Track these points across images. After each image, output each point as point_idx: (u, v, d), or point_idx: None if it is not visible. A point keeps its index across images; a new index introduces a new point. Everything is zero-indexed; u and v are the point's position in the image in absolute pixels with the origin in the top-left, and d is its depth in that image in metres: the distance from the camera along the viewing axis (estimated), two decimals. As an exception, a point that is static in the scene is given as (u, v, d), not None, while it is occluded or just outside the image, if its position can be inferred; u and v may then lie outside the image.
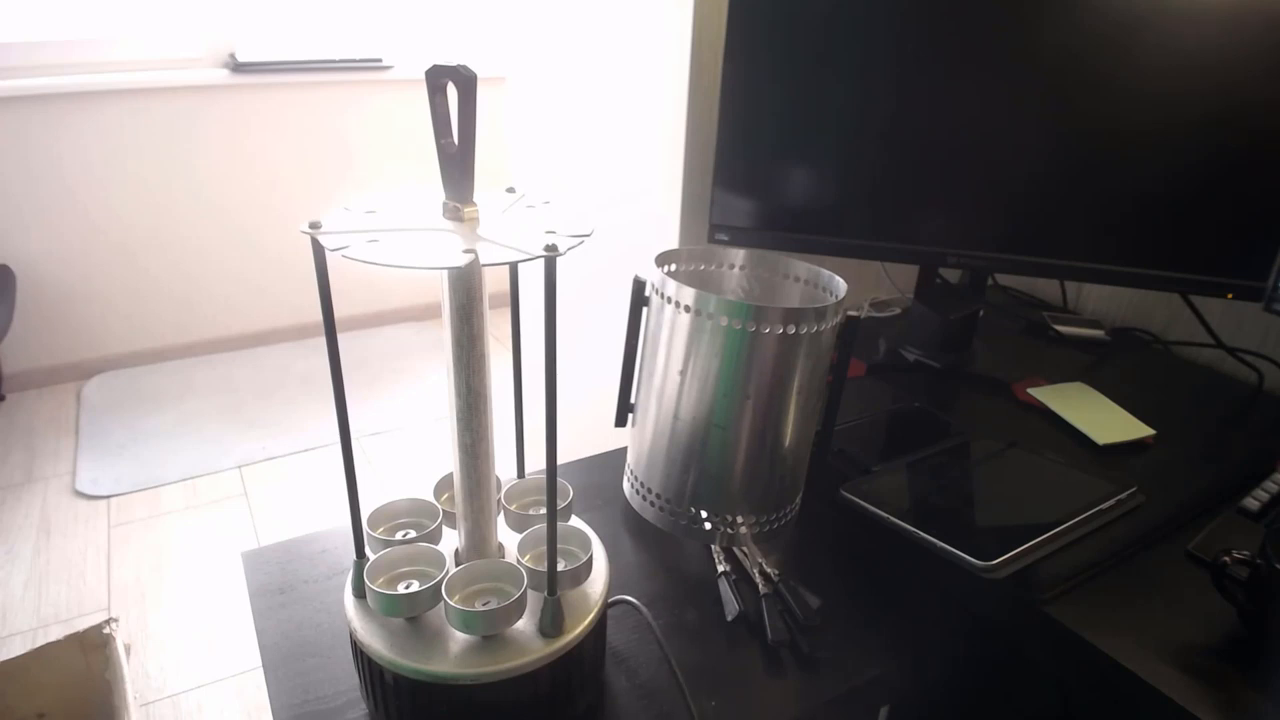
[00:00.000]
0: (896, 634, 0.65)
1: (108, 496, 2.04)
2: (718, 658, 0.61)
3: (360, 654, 0.51)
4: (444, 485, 0.60)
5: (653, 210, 1.11)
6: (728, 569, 0.68)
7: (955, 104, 0.90)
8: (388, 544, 0.54)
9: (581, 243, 0.45)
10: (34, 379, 2.56)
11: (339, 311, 0.44)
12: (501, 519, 0.58)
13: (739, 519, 0.68)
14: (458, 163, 0.45)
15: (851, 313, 0.66)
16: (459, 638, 0.50)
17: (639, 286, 0.69)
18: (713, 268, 0.75)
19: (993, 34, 0.87)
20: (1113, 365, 1.09)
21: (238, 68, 2.52)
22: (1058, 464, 0.82)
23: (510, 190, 0.53)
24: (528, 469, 0.63)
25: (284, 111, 2.66)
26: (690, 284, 0.63)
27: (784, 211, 0.98)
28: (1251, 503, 0.76)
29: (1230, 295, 0.89)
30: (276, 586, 0.66)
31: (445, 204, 0.47)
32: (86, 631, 1.25)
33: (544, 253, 0.42)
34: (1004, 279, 1.35)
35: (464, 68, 0.42)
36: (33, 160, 2.36)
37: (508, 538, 0.58)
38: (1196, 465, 0.85)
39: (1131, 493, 0.76)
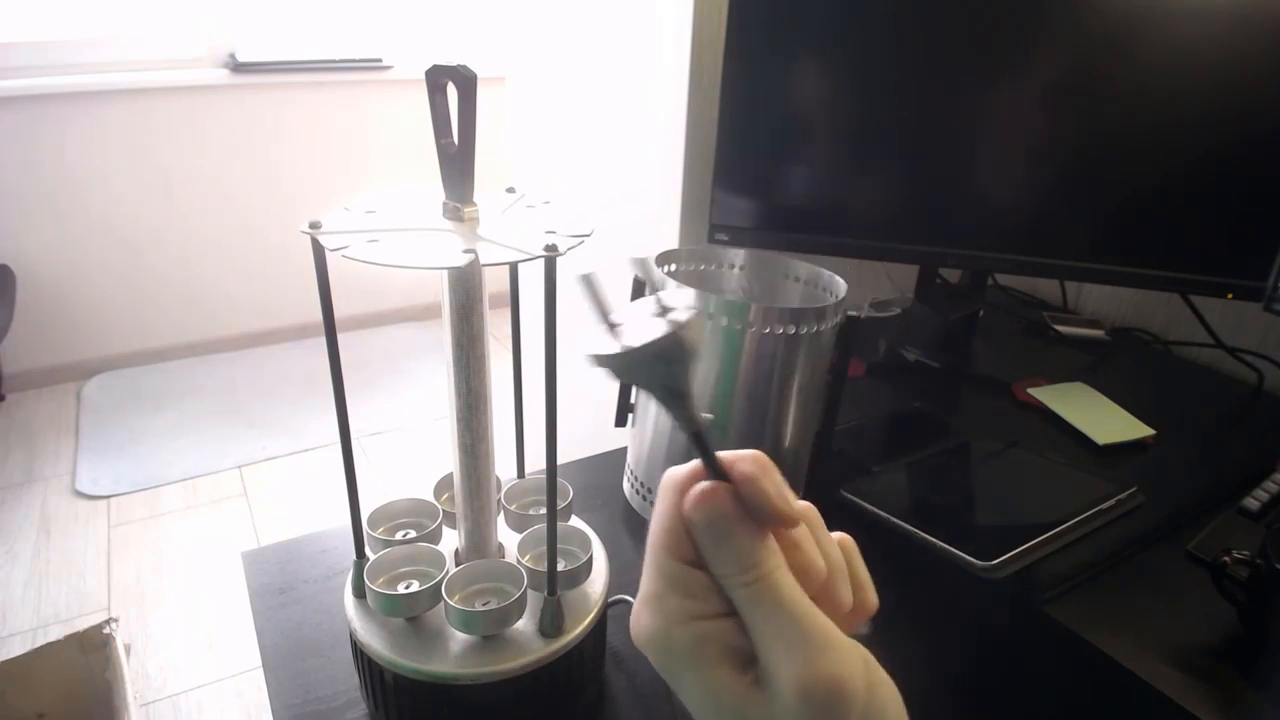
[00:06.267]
0: (896, 634, 0.65)
1: (108, 496, 2.04)
2: (718, 658, 0.61)
3: (360, 654, 0.51)
4: (444, 485, 0.60)
5: (653, 210, 1.11)
6: (728, 569, 0.68)
7: (955, 104, 0.90)
8: (388, 544, 0.54)
9: (581, 243, 0.45)
10: (34, 379, 2.56)
11: (339, 311, 0.44)
12: (501, 519, 0.58)
13: (739, 519, 0.68)
14: (458, 163, 0.45)
15: (851, 313, 0.66)
16: (459, 638, 0.50)
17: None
18: (713, 268, 0.75)
19: (993, 34, 0.87)
20: (1113, 365, 1.09)
21: (238, 68, 2.52)
22: (1058, 464, 0.81)
23: (510, 190, 0.53)
24: (528, 469, 0.63)
25: (284, 111, 2.66)
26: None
27: (784, 211, 0.98)
28: (1251, 503, 0.76)
29: (1230, 295, 0.89)
30: (276, 586, 0.66)
31: (445, 204, 0.47)
32: (86, 631, 1.25)
33: (544, 253, 0.42)
34: (1004, 279, 1.35)
35: (464, 68, 0.42)
36: (33, 160, 2.36)
37: (508, 538, 0.58)
38: (1196, 465, 0.85)
39: (1131, 493, 0.76)
